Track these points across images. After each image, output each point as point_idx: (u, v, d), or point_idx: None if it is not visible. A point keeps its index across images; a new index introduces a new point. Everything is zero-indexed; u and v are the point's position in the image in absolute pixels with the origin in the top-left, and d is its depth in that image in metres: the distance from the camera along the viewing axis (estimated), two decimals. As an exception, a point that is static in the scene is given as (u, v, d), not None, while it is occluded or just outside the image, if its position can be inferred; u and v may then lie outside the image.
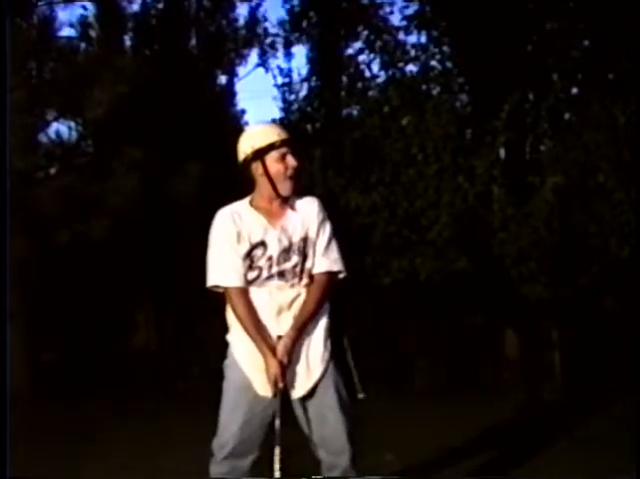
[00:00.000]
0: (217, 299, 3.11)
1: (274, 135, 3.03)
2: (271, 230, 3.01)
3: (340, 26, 9.63)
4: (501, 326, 8.60)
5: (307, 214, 3.04)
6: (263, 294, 3.00)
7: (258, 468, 3.06)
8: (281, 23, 10.20)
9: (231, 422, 3.01)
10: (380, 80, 8.58)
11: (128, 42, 9.76)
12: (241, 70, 10.58)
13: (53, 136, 7.77)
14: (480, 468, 4.61)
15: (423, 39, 8.54)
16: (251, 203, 3.06)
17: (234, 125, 9.99)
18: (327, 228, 3.06)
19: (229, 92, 10.53)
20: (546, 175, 7.42)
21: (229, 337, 3.10)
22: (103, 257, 8.14)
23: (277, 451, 2.89)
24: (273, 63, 10.18)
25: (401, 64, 8.43)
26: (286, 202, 3.05)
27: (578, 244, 7.35)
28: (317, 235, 3.04)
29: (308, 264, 3.03)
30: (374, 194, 7.59)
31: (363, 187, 7.67)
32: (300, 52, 10.32)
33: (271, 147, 2.99)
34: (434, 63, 8.35)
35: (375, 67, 8.71)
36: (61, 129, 7.78)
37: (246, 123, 10.32)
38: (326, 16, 9.75)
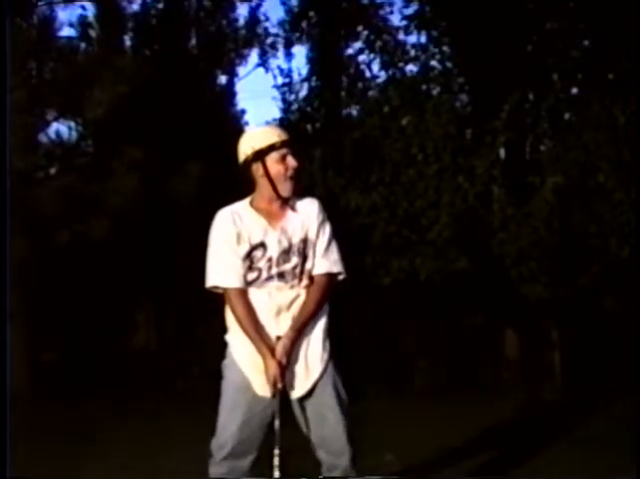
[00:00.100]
0: (217, 300, 3.11)
1: (274, 136, 3.03)
2: (271, 231, 3.01)
3: (340, 26, 9.63)
4: (501, 326, 8.60)
5: (307, 215, 3.05)
6: (263, 295, 3.00)
7: (258, 468, 3.06)
8: (281, 23, 10.21)
9: (230, 422, 3.01)
10: (380, 80, 8.60)
11: (128, 42, 9.76)
12: (241, 70, 10.61)
13: (53, 136, 7.79)
14: (480, 468, 4.61)
15: (423, 39, 8.56)
16: (251, 203, 3.06)
17: (234, 125, 10.00)
18: (327, 229, 3.07)
19: (229, 92, 10.53)
20: (546, 175, 7.42)
21: (228, 337, 3.10)
22: (103, 258, 8.14)
23: (277, 451, 2.89)
24: (273, 63, 10.20)
25: (401, 64, 8.45)
26: (286, 203, 3.05)
27: (578, 244, 7.35)
28: (317, 236, 3.04)
29: (308, 266, 3.03)
30: (374, 194, 7.60)
31: (363, 187, 7.68)
32: (300, 52, 10.36)
33: (271, 148, 2.99)
34: (434, 63, 8.36)
35: (375, 67, 8.74)
36: (61, 129, 7.80)
37: (246, 123, 10.36)
38: (326, 16, 9.75)
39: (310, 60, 9.84)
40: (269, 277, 3.00)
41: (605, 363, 8.20)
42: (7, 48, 5.58)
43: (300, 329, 2.98)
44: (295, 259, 3.01)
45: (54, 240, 7.33)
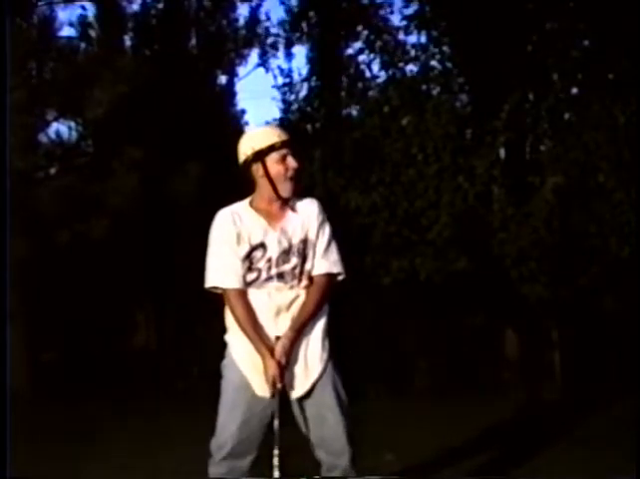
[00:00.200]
0: (217, 300, 3.11)
1: (274, 136, 3.03)
2: (271, 231, 3.01)
3: (340, 26, 9.63)
4: (501, 326, 8.60)
5: (307, 215, 3.05)
6: (262, 296, 3.00)
7: (257, 468, 3.06)
8: (281, 23, 10.21)
9: (230, 422, 3.01)
10: (380, 80, 8.60)
11: (128, 42, 9.75)
12: (241, 70, 10.60)
13: (53, 136, 7.78)
14: (481, 468, 4.61)
15: (423, 39, 8.56)
16: (251, 204, 3.06)
17: (234, 125, 9.99)
18: (327, 229, 3.07)
19: (229, 92, 10.53)
20: (546, 175, 7.42)
21: (228, 338, 3.10)
22: (103, 258, 8.14)
23: (276, 451, 2.89)
24: (274, 63, 10.19)
25: (401, 64, 8.44)
26: (286, 203, 3.05)
27: (578, 244, 7.35)
28: (317, 236, 3.04)
29: (307, 266, 3.03)
30: (374, 194, 7.60)
31: (363, 187, 7.68)
32: (300, 52, 10.35)
33: (271, 148, 2.99)
34: (434, 63, 8.36)
35: (375, 67, 8.73)
36: (61, 129, 7.80)
37: (246, 123, 10.34)
38: (326, 16, 9.75)
39: (310, 60, 9.84)
40: (269, 278, 3.00)
41: (605, 363, 8.20)
42: (7, 48, 5.58)
43: (299, 330, 2.98)
44: (295, 260, 3.01)
45: (54, 240, 7.33)
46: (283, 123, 8.76)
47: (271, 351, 2.93)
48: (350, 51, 9.44)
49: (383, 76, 8.58)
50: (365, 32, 9.10)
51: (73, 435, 5.67)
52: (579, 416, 6.27)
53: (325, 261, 3.03)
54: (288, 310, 3.00)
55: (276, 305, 3.00)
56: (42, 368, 8.57)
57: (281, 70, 9.32)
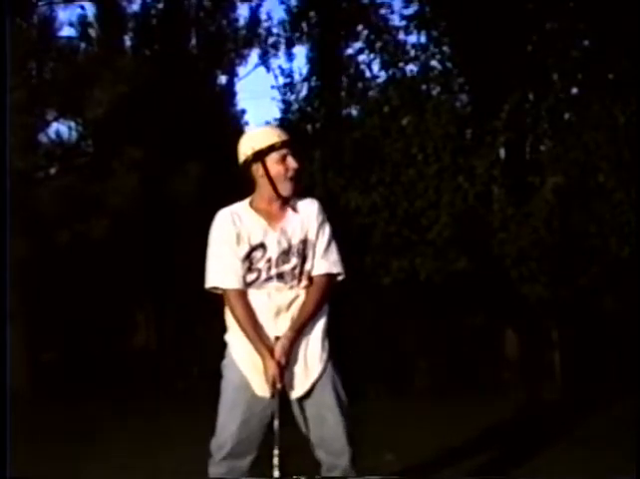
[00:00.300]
0: (217, 300, 3.11)
1: (274, 136, 3.03)
2: (271, 231, 3.01)
3: (340, 26, 9.63)
4: (501, 326, 8.60)
5: (307, 216, 3.05)
6: (262, 296, 3.00)
7: (257, 468, 3.06)
8: (281, 23, 10.21)
9: (230, 422, 3.01)
10: (380, 80, 8.59)
11: (128, 42, 9.75)
12: (241, 70, 10.59)
13: (53, 136, 7.78)
14: (481, 468, 4.61)
15: (423, 39, 8.55)
16: (251, 204, 3.06)
17: (234, 125, 9.99)
18: (326, 230, 3.07)
19: (229, 92, 10.52)
20: (546, 175, 7.42)
21: (228, 338, 3.10)
22: (103, 258, 8.14)
23: (276, 451, 2.89)
24: (274, 63, 10.19)
25: (401, 64, 8.43)
26: (286, 203, 3.05)
27: (578, 244, 7.35)
28: (316, 237, 3.04)
29: (307, 267, 3.03)
30: (374, 194, 7.60)
31: (363, 187, 7.68)
32: (300, 52, 10.34)
33: (271, 148, 2.99)
34: (434, 63, 8.36)
35: (375, 67, 8.71)
36: (61, 129, 7.79)
37: (246, 123, 10.34)
38: (326, 16, 9.75)
39: (310, 60, 9.84)
40: (268, 278, 3.00)
41: (605, 363, 8.20)
42: (7, 48, 5.59)
43: (299, 330, 2.98)
44: (294, 260, 3.01)
45: (54, 240, 7.33)
46: (283, 123, 8.75)
47: (271, 351, 2.93)
48: (350, 51, 9.45)
49: (383, 76, 8.58)
50: (365, 32, 9.09)
51: (73, 435, 5.67)
52: (579, 416, 6.27)
53: (325, 262, 3.03)
54: (288, 311, 3.00)
55: (276, 306, 3.00)
56: (42, 368, 8.56)
57: (282, 70, 9.33)
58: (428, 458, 4.78)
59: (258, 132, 3.15)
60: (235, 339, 3.05)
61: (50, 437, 5.62)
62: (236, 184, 3.14)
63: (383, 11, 9.35)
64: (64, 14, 11.64)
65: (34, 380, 7.99)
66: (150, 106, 7.95)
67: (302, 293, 3.02)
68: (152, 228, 8.41)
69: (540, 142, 8.19)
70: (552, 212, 7.29)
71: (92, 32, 9.08)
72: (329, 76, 9.42)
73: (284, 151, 3.01)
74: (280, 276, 3.00)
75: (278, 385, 2.91)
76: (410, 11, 8.74)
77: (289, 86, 9.22)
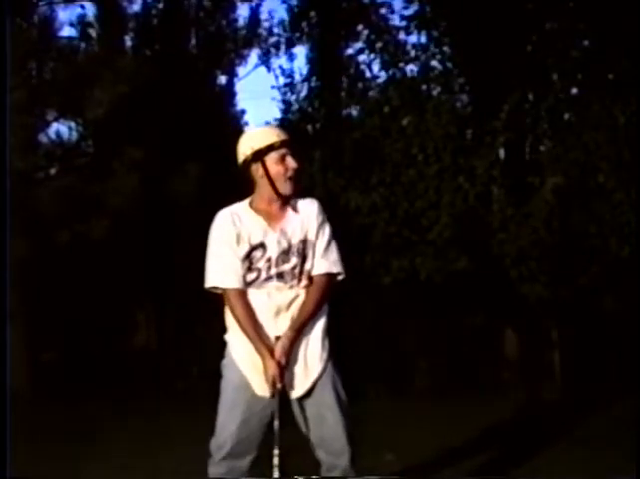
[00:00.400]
0: (217, 300, 3.11)
1: (274, 136, 3.03)
2: (271, 231, 3.01)
3: (340, 26, 9.63)
4: (501, 326, 8.60)
5: (307, 216, 3.04)
6: (262, 296, 3.00)
7: (257, 468, 3.06)
8: (281, 23, 10.21)
9: (230, 421, 3.01)
10: (380, 80, 8.58)
11: (128, 42, 9.76)
12: (241, 70, 10.60)
13: (53, 136, 7.80)
14: (481, 468, 4.61)
15: (423, 39, 8.55)
16: (251, 204, 3.06)
17: (234, 125, 9.99)
18: (326, 229, 3.07)
19: (229, 92, 10.53)
20: (546, 175, 7.43)
21: (228, 338, 3.10)
22: (103, 258, 8.14)
23: (276, 451, 2.89)
24: (274, 63, 10.20)
25: (401, 64, 8.43)
26: (286, 203, 3.05)
27: (578, 244, 7.35)
28: (316, 237, 3.04)
29: (307, 266, 3.03)
30: (374, 194, 7.60)
31: (363, 187, 7.68)
32: (300, 52, 10.34)
33: (271, 147, 2.99)
34: (434, 63, 8.36)
35: (375, 67, 8.71)
36: (61, 129, 7.81)
37: (246, 123, 10.35)
38: (326, 16, 9.75)
39: (310, 60, 9.85)
40: (268, 278, 3.00)
41: (605, 363, 8.20)
42: (7, 48, 5.58)
43: (299, 330, 2.98)
44: (294, 260, 3.01)
45: (54, 240, 7.33)
46: (283, 123, 8.75)
47: (271, 351, 2.93)
48: (350, 51, 9.46)
49: (383, 76, 8.58)
50: (365, 32, 9.10)
51: (73, 435, 5.67)
52: (579, 416, 6.27)
53: (325, 262, 3.03)
54: (288, 311, 3.00)
55: (276, 306, 2.99)
56: (42, 368, 8.57)
57: (282, 70, 9.34)
58: (428, 458, 4.78)
59: (258, 131, 3.14)
60: (235, 339, 3.05)
61: (50, 437, 5.62)
62: (236, 184, 3.13)
63: (383, 11, 9.36)
64: (64, 14, 11.60)
65: (34, 380, 8.00)
66: (150, 106, 7.96)
67: (302, 293, 3.01)
68: (152, 228, 8.42)
69: (540, 142, 8.19)
70: (552, 212, 7.29)
71: (92, 32, 9.10)
72: (329, 76, 9.42)
73: (284, 150, 3.01)
74: (280, 276, 3.00)
75: (278, 385, 2.91)
76: (410, 11, 8.75)
77: (289, 86, 9.23)
